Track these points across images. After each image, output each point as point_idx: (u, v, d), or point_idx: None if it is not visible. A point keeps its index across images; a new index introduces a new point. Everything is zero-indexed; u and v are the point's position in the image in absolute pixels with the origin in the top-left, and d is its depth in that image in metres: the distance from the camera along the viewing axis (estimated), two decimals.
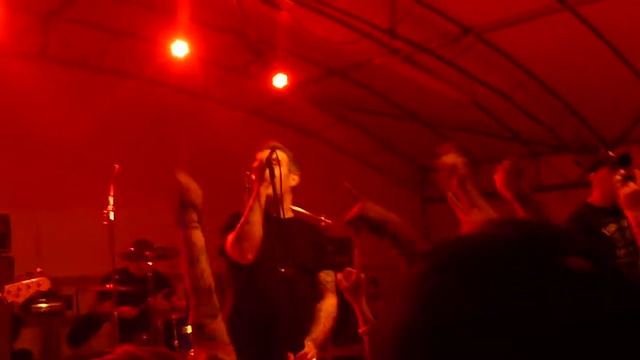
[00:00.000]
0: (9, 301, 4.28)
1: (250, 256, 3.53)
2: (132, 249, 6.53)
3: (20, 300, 4.36)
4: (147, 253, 6.24)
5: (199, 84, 9.61)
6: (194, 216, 2.32)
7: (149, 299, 6.18)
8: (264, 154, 3.70)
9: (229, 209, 7.58)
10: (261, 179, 3.63)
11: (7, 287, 4.30)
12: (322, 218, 6.17)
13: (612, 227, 4.48)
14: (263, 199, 3.62)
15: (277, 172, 3.67)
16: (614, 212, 4.34)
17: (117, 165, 5.59)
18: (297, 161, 4.06)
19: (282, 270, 3.59)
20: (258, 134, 10.04)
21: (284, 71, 8.39)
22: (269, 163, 3.63)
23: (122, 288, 6.09)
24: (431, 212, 12.42)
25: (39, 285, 4.38)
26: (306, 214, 5.93)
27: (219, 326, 2.18)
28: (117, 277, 5.86)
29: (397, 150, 12.02)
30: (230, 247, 3.57)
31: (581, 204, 4.72)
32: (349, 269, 2.86)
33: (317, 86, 9.71)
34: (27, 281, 4.35)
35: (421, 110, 10.17)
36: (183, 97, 9.46)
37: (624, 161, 4.67)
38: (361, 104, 10.06)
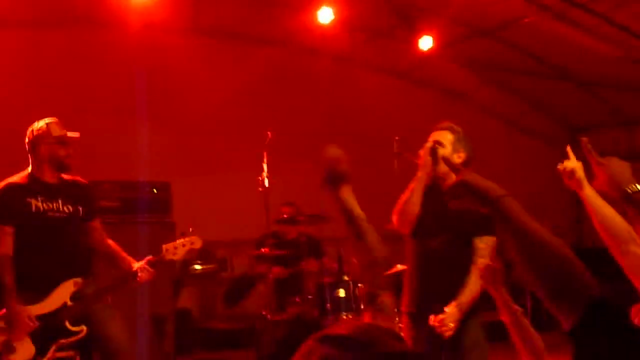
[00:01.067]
0: (167, 259, 4.52)
1: (407, 229, 3.97)
2: (285, 215, 6.69)
3: (177, 257, 4.58)
4: (300, 218, 6.37)
5: (345, 49, 9.62)
6: (348, 188, 2.42)
7: (301, 263, 6.33)
8: (434, 137, 4.02)
9: (377, 173, 7.64)
10: (424, 165, 3.94)
11: (164, 246, 4.54)
12: None
13: None
14: (423, 182, 3.94)
15: (440, 152, 3.93)
16: None
17: (269, 133, 5.73)
18: (466, 138, 4.20)
19: (438, 238, 3.91)
20: (404, 97, 10.03)
21: (429, 33, 8.27)
22: (433, 153, 3.92)
23: (276, 252, 6.26)
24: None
25: (192, 243, 4.60)
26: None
27: (388, 299, 2.28)
28: (271, 241, 6.02)
29: (547, 111, 11.58)
30: (393, 219, 4.00)
31: None
32: (484, 262, 2.96)
33: (464, 47, 9.48)
34: (182, 240, 4.58)
35: (573, 68, 9.72)
36: (329, 62, 9.51)
37: None
38: (510, 64, 9.75)
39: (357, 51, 9.71)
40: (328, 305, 6.29)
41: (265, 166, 5.72)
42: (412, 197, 3.93)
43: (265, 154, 5.75)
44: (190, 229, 4.99)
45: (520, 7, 8.13)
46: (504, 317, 2.68)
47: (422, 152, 3.98)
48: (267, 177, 5.69)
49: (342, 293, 6.24)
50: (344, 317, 6.18)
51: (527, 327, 2.63)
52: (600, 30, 8.34)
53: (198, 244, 4.62)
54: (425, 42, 8.37)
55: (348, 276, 6.40)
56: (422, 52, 8.61)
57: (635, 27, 8.27)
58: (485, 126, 11.19)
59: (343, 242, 7.37)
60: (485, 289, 2.92)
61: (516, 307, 2.68)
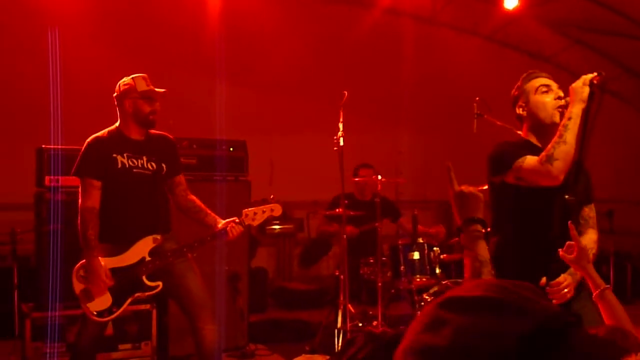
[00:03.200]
0: (246, 224, 4.54)
1: (561, 177, 3.37)
2: (359, 177, 6.65)
3: (256, 223, 4.62)
4: (375, 178, 6.31)
5: (425, 9, 9.42)
6: (478, 226, 2.26)
7: (376, 224, 6.27)
8: (589, 75, 3.44)
9: (458, 136, 7.48)
10: (580, 99, 3.36)
11: (245, 211, 4.57)
12: None
13: None
14: (578, 120, 3.35)
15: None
16: None
17: (345, 92, 5.65)
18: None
19: (567, 197, 3.41)
20: (487, 58, 9.77)
21: None
22: (592, 86, 3.38)
23: (350, 212, 6.23)
24: None
25: (272, 210, 4.63)
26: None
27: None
28: (345, 201, 5.98)
29: None
30: (532, 168, 3.41)
31: None
32: (569, 242, 2.79)
33: (551, 7, 9.13)
34: (262, 207, 4.61)
35: None
36: (410, 22, 9.33)
37: None
38: (600, 24, 9.34)
39: (440, 11, 9.49)
40: (402, 267, 6.23)
41: (340, 125, 5.64)
42: (568, 135, 3.32)
43: (341, 113, 5.68)
44: (272, 196, 5.04)
45: None
46: (594, 294, 2.62)
47: (578, 85, 3.39)
48: (342, 136, 5.61)
49: (416, 255, 6.17)
50: (418, 280, 6.12)
51: (615, 302, 2.56)
52: None
53: (278, 211, 4.65)
54: (511, 1, 8.10)
55: (423, 239, 6.32)
56: (507, 12, 8.35)
57: None
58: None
59: (418, 204, 7.31)
60: None
61: (603, 283, 2.63)
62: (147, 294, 4.51)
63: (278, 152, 8.75)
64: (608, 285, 2.61)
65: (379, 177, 6.31)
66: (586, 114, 3.37)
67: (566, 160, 3.34)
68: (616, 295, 2.60)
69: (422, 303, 5.95)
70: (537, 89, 3.59)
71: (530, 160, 3.43)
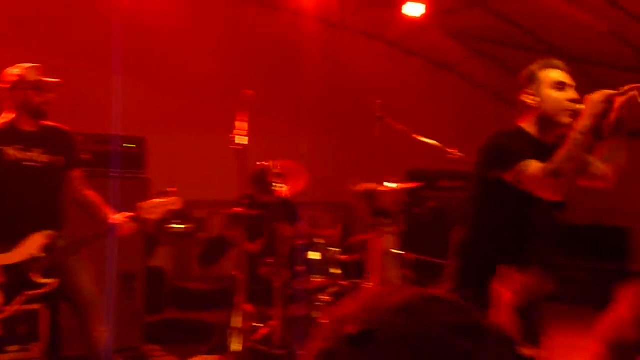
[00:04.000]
0: (142, 217, 4.43)
1: (563, 193, 3.25)
2: (259, 175, 6.58)
3: (153, 217, 4.47)
4: (274, 179, 6.27)
5: (334, 13, 9.49)
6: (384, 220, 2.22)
7: (275, 225, 6.25)
8: (610, 92, 3.25)
9: (360, 138, 7.54)
10: (594, 114, 3.20)
11: (140, 204, 4.45)
12: (454, 151, 5.98)
13: None
14: (590, 136, 3.20)
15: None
16: None
17: (249, 91, 5.61)
18: None
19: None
20: (391, 64, 9.94)
21: (420, 1, 8.15)
22: (610, 103, 3.22)
23: (251, 212, 6.19)
24: None
25: (172, 204, 4.48)
26: (436, 145, 5.80)
27: None
28: (246, 201, 5.94)
29: None
30: (535, 178, 3.23)
31: None
32: None
33: (456, 17, 9.37)
34: (160, 200, 4.48)
35: (563, 44, 9.63)
36: (317, 26, 9.39)
37: None
38: (501, 36, 9.65)
39: (347, 16, 9.58)
40: (300, 267, 6.23)
41: (241, 124, 5.58)
42: (577, 151, 3.15)
43: (242, 113, 5.62)
44: (170, 189, 4.90)
45: None
46: None
47: (596, 98, 3.20)
48: (243, 136, 5.53)
49: (314, 256, 6.18)
50: (315, 280, 6.14)
51: None
52: (588, 3, 8.25)
53: (178, 204, 4.53)
54: (415, 9, 8.26)
55: (321, 239, 6.33)
56: (413, 20, 8.50)
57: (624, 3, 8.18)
58: (472, 98, 11.14)
59: (318, 206, 7.35)
60: None
61: None
62: (37, 292, 4.35)
63: (179, 150, 8.63)
64: None
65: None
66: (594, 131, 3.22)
67: (571, 178, 3.20)
68: None
69: (319, 303, 5.97)
70: (553, 84, 3.42)
71: (534, 168, 3.24)
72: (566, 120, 3.34)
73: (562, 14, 8.31)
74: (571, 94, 3.41)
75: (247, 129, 5.63)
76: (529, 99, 3.46)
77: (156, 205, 4.47)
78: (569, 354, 4.78)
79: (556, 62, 3.51)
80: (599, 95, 3.21)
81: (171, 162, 8.38)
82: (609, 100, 3.20)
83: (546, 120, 3.43)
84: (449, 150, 5.94)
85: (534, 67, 3.50)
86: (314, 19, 9.38)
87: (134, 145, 6.34)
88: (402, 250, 6.52)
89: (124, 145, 6.23)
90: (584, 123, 3.17)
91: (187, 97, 8.51)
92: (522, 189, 3.30)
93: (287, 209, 6.96)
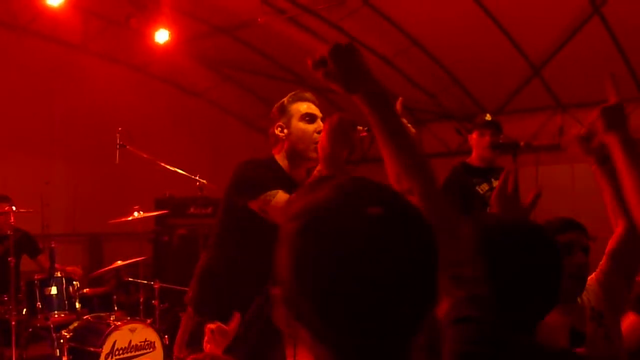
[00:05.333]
0: None
1: None
2: None
3: None
4: (8, 209, 5.88)
5: (77, 35, 9.16)
6: None
7: (9, 259, 5.84)
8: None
9: (105, 166, 7.29)
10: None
11: None
12: (197, 177, 6.02)
13: (484, 187, 4.87)
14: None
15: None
16: (487, 172, 4.88)
17: None
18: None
19: None
20: (139, 90, 9.78)
21: (166, 26, 8.11)
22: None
23: None
24: None
25: None
26: (180, 173, 5.80)
27: None
28: None
29: None
30: (280, 209, 3.17)
31: (459, 161, 5.06)
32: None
33: (202, 44, 9.46)
34: None
35: (307, 73, 10.07)
36: (59, 48, 9.02)
37: (493, 125, 4.89)
38: (247, 64, 9.89)
39: (91, 38, 9.28)
40: (38, 303, 5.88)
41: None
42: None
43: None
44: None
45: (256, 8, 8.25)
46: None
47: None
48: None
49: (54, 290, 5.85)
50: (56, 316, 5.82)
51: None
52: (330, 37, 8.73)
53: None
54: (162, 35, 8.19)
55: (61, 273, 6.01)
56: (160, 46, 8.42)
57: (363, 37, 8.76)
58: (223, 124, 11.28)
59: (56, 238, 7.01)
60: None
61: None
62: None
63: None
64: None
65: (13, 208, 5.91)
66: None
67: None
68: None
69: (62, 340, 5.66)
70: (302, 116, 3.39)
71: (280, 198, 3.21)
72: (313, 155, 3.35)
73: (305, 47, 8.73)
74: (319, 126, 3.36)
75: None
76: (278, 131, 3.42)
77: None
78: None
79: (307, 94, 3.49)
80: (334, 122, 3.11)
81: None
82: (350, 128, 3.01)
83: (295, 153, 3.41)
84: (195, 177, 5.97)
85: (285, 99, 3.49)
86: (58, 41, 9.01)
87: None
88: (152, 279, 6.41)
89: None
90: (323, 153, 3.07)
91: None
92: (267, 219, 3.26)
93: (25, 242, 6.57)
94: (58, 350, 5.55)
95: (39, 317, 5.88)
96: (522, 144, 4.60)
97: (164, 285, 6.42)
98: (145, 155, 5.99)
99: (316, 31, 8.73)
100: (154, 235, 7.92)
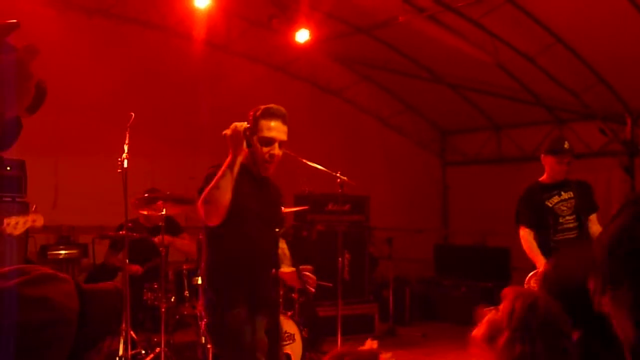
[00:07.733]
0: (7, 232, 4.38)
1: (215, 220, 3.63)
2: (146, 195, 6.42)
3: (17, 232, 4.48)
4: (159, 202, 6.15)
5: (221, 37, 9.51)
6: None
7: (161, 249, 6.14)
8: (239, 125, 3.69)
9: None
10: (238, 148, 3.65)
11: (6, 219, 4.40)
12: (338, 175, 6.10)
13: (554, 200, 5.68)
14: (234, 167, 3.64)
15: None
16: (557, 186, 5.71)
17: (132, 114, 5.53)
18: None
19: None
20: (279, 89, 10.00)
21: (307, 27, 8.27)
22: (247, 135, 3.66)
23: (135, 235, 6.09)
24: (450, 175, 12.35)
25: (33, 220, 4.50)
26: (322, 169, 5.89)
27: None
28: (130, 225, 5.82)
29: (420, 112, 11.87)
30: (198, 207, 3.67)
31: (535, 181, 5.87)
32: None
33: (341, 43, 9.57)
34: (23, 217, 4.49)
35: (446, 72, 10.00)
36: (204, 49, 9.37)
37: (570, 154, 5.69)
38: (385, 63, 9.91)
39: (234, 39, 9.62)
40: (186, 292, 6.16)
41: (126, 147, 5.47)
42: (223, 181, 3.59)
43: (127, 135, 5.52)
44: (34, 207, 4.85)
45: (397, 7, 8.26)
46: None
47: (229, 133, 3.69)
48: (127, 158, 5.41)
49: (200, 280, 6.09)
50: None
51: None
52: (470, 34, 8.63)
53: (40, 221, 4.54)
54: (302, 35, 8.37)
55: None
56: (300, 46, 8.61)
57: (504, 34, 8.61)
58: (359, 124, 11.36)
59: (200, 230, 7.27)
60: None
61: None
62: None
63: (63, 175, 8.38)
64: None
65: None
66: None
67: (217, 203, 3.57)
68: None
69: None
70: (261, 137, 3.81)
71: (200, 198, 3.66)
72: (265, 173, 3.90)
73: (446, 44, 8.68)
74: (273, 150, 3.84)
75: (131, 152, 5.55)
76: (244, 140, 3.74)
77: (19, 221, 4.43)
78: None
79: (278, 111, 3.95)
80: (231, 131, 3.65)
81: (55, 186, 8.16)
82: (244, 133, 3.64)
83: (250, 160, 3.81)
84: (337, 174, 6.06)
85: (259, 110, 3.91)
86: (202, 41, 9.36)
87: (14, 168, 6.13)
88: None
89: (4, 168, 6.02)
90: (230, 158, 3.64)
91: (73, 120, 8.26)
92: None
93: (170, 226, 6.81)
94: (203, 338, 5.80)
95: (186, 305, 6.16)
96: None
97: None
98: (289, 152, 6.12)
99: (456, 28, 8.64)
100: (293, 231, 8.09)
